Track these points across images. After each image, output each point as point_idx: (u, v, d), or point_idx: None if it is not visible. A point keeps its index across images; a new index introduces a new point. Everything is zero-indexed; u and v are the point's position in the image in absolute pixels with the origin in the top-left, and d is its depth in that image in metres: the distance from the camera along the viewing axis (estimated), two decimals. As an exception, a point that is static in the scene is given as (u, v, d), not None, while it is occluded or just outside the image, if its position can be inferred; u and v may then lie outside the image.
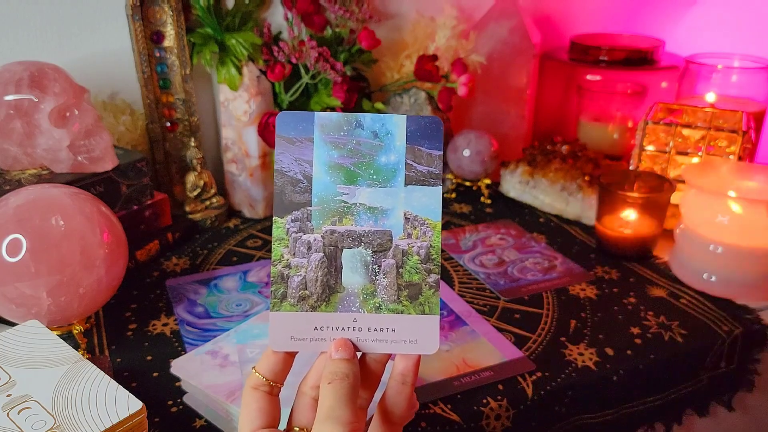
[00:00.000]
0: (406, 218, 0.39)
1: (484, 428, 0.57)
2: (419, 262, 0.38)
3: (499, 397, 0.58)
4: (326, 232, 0.39)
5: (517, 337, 0.66)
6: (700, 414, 0.69)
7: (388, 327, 0.38)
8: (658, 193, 0.81)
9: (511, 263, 0.81)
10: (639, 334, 0.67)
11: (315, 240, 0.38)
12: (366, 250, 0.39)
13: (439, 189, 0.39)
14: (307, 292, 0.38)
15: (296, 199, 0.38)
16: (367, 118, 0.39)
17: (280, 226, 0.38)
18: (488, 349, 0.64)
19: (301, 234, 0.38)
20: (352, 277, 0.38)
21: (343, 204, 0.39)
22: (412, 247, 0.38)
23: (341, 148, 0.39)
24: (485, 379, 0.60)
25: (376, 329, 0.38)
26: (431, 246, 0.38)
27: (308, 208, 0.38)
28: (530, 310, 0.71)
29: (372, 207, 0.39)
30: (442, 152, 0.39)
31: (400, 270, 0.38)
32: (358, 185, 0.39)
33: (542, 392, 0.59)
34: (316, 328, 0.38)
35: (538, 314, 0.70)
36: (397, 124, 0.39)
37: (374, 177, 0.39)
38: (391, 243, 0.39)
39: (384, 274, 0.38)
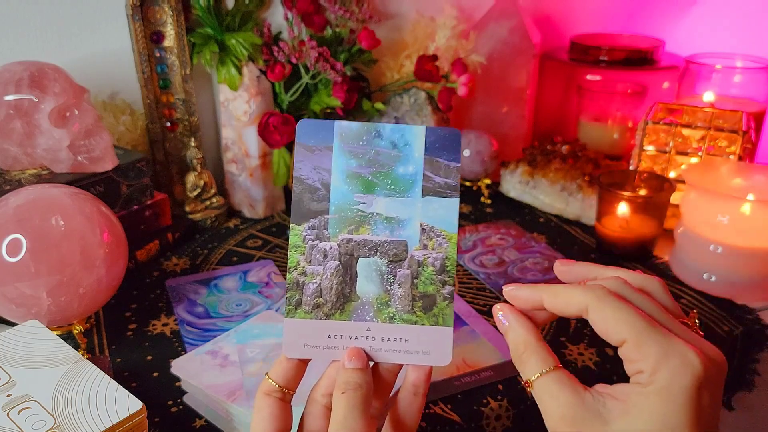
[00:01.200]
0: (423, 229, 0.39)
1: (484, 428, 0.57)
2: (434, 273, 0.39)
3: (499, 397, 0.58)
4: (342, 240, 0.39)
5: (517, 337, 0.66)
6: (700, 414, 0.69)
7: (401, 337, 0.38)
8: (658, 193, 0.81)
9: (511, 263, 0.81)
10: (639, 334, 0.67)
11: (331, 248, 0.39)
12: (381, 259, 0.39)
13: (456, 201, 0.39)
14: (321, 299, 0.38)
15: (314, 207, 0.39)
16: (386, 128, 0.39)
17: (297, 233, 0.39)
18: (488, 349, 0.64)
19: (317, 242, 0.39)
20: (367, 286, 0.39)
21: (360, 213, 0.39)
22: (428, 258, 0.39)
23: (360, 157, 0.39)
24: (485, 379, 0.60)
25: (389, 339, 0.38)
26: (447, 257, 0.39)
27: (325, 216, 0.39)
28: (530, 310, 0.71)
29: (389, 217, 0.39)
30: (459, 164, 0.39)
31: (415, 281, 0.38)
32: (375, 195, 0.39)
33: (542, 392, 0.59)
34: (329, 336, 0.38)
35: (538, 314, 0.70)
36: (416, 135, 0.39)
37: (392, 187, 0.39)
38: (407, 253, 0.39)
39: (399, 285, 0.38)
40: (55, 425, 0.42)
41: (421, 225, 0.39)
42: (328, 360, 0.38)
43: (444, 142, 0.39)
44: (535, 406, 0.60)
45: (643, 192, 0.82)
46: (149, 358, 0.63)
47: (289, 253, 0.39)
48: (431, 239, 0.39)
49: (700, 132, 0.85)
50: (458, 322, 0.68)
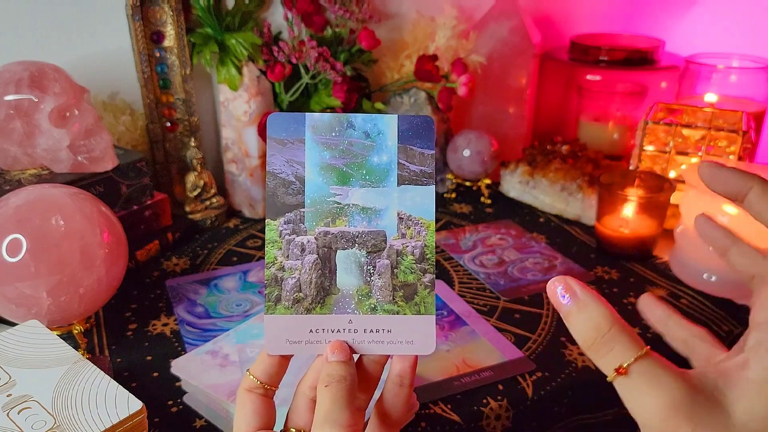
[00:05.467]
0: (400, 218, 0.38)
1: (484, 428, 0.57)
2: (414, 261, 0.38)
3: (499, 397, 0.58)
4: (320, 233, 0.38)
5: (517, 337, 0.66)
6: (700, 414, 0.69)
7: (383, 328, 0.38)
8: (658, 193, 0.81)
9: (511, 263, 0.81)
10: (639, 334, 0.66)
11: (308, 242, 0.38)
12: (360, 251, 0.38)
13: (432, 188, 0.38)
14: (301, 294, 0.38)
15: (289, 201, 0.38)
16: (358, 118, 0.38)
17: (273, 228, 0.38)
18: (488, 349, 0.64)
19: (294, 236, 0.38)
20: (347, 278, 0.38)
21: (336, 205, 0.38)
22: (407, 247, 0.38)
23: (333, 148, 0.38)
24: (485, 379, 0.60)
25: (372, 330, 0.38)
26: (426, 245, 0.38)
27: (301, 209, 0.38)
28: (530, 310, 0.71)
29: (365, 207, 0.38)
30: (434, 151, 0.39)
31: (395, 270, 0.38)
32: (350, 186, 0.38)
33: (542, 392, 0.59)
34: (311, 331, 0.38)
35: (538, 314, 0.70)
36: (388, 124, 0.38)
37: (367, 177, 0.38)
38: (386, 243, 0.38)
39: (379, 275, 0.38)
40: (55, 425, 0.42)
41: (399, 214, 0.38)
42: (312, 355, 0.38)
43: (417, 129, 0.39)
44: (535, 406, 0.60)
45: (643, 192, 0.82)
46: (149, 358, 0.63)
47: (265, 248, 0.38)
48: (409, 228, 0.38)
49: (700, 132, 0.85)
50: (458, 322, 0.68)
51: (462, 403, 0.57)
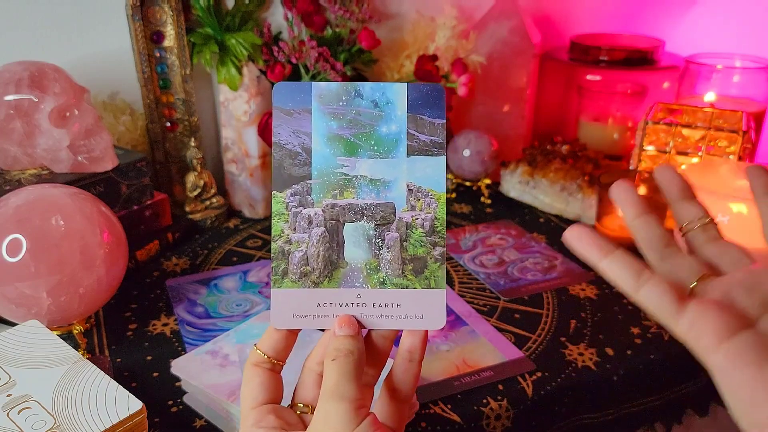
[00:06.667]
0: (409, 190, 0.37)
1: (484, 428, 0.57)
2: (423, 234, 0.37)
3: (499, 397, 0.58)
4: (327, 205, 0.37)
5: (517, 337, 0.66)
6: (700, 414, 0.69)
7: (392, 302, 0.37)
8: (658, 193, 0.81)
9: (511, 263, 0.81)
10: (639, 334, 0.67)
11: (316, 214, 0.37)
12: (368, 223, 0.37)
13: (443, 159, 0.37)
14: (308, 267, 0.37)
15: (295, 173, 0.37)
16: (366, 87, 0.37)
17: (279, 200, 0.37)
18: (488, 349, 0.64)
19: (301, 208, 0.37)
20: (355, 251, 0.37)
21: (343, 176, 0.37)
22: (416, 219, 0.37)
23: (340, 118, 0.37)
24: (485, 379, 0.60)
25: (380, 305, 0.37)
26: (436, 218, 0.37)
27: (308, 181, 0.37)
28: (530, 310, 0.71)
29: (374, 179, 0.37)
30: (444, 120, 0.38)
31: (404, 243, 0.37)
32: (358, 157, 0.37)
33: (542, 392, 0.59)
34: (318, 305, 0.37)
35: (538, 314, 0.70)
36: (397, 93, 0.37)
37: (375, 148, 0.37)
38: (395, 216, 0.37)
39: (387, 248, 0.37)
40: (55, 425, 0.42)
41: (408, 185, 0.37)
42: (320, 329, 0.37)
43: (427, 98, 0.37)
44: (535, 406, 0.60)
45: (643, 192, 0.82)
46: (149, 358, 0.63)
47: (272, 221, 0.37)
48: (419, 200, 0.37)
49: (700, 132, 0.85)
50: (458, 322, 0.68)
51: (462, 403, 0.57)
